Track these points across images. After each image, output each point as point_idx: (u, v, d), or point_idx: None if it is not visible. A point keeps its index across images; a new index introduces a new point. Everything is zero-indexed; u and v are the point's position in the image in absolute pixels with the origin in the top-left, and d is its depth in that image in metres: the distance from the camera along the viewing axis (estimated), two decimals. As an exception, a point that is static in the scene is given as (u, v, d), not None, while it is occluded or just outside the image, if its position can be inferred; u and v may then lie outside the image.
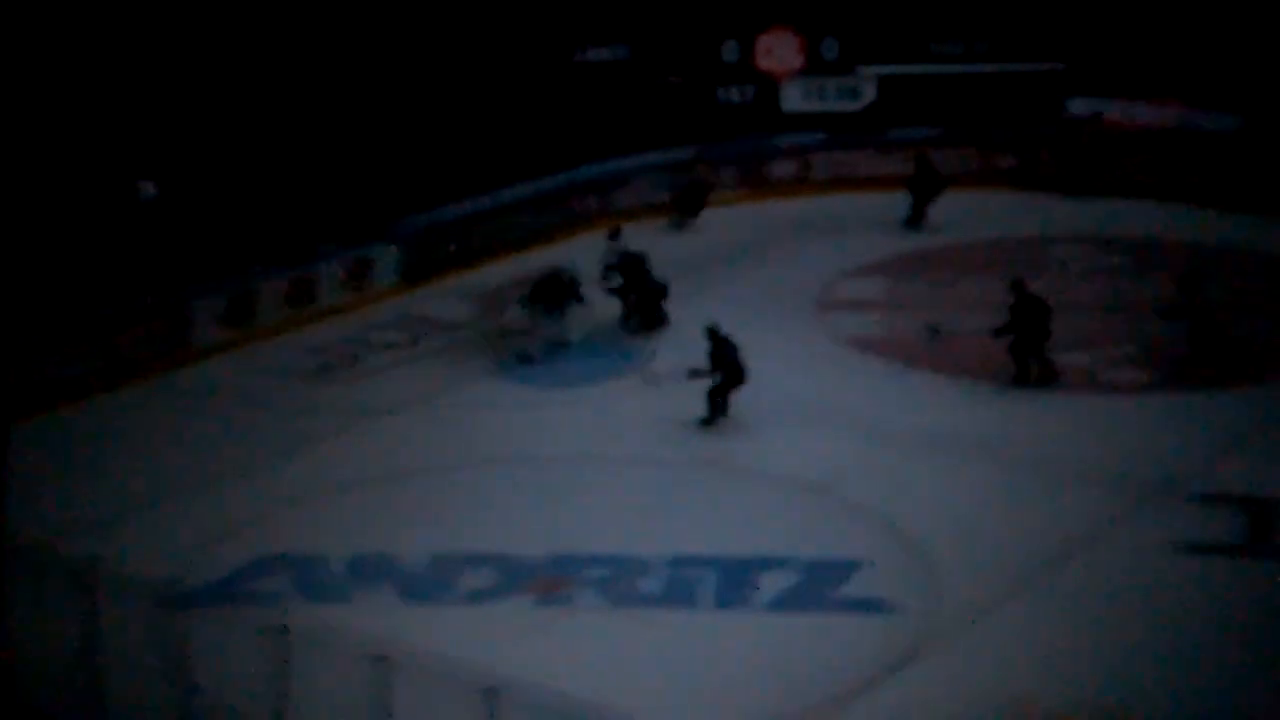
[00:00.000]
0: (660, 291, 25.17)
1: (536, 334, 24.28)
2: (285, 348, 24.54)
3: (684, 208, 30.26)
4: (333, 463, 21.00)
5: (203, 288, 24.43)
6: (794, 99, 32.64)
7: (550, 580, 18.20)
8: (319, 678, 14.63)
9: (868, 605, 17.62)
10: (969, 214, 30.08)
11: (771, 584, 18.01)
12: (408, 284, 26.98)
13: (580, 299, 24.62)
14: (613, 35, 31.90)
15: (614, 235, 26.07)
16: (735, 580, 18.09)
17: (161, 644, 15.62)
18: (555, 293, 24.36)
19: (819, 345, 24.68)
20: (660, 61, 31.98)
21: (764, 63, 32.51)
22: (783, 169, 32.36)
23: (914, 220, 29.61)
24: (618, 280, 25.26)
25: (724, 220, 30.40)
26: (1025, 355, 22.60)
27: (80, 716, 14.94)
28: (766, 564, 18.32)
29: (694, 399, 22.05)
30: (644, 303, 25.09)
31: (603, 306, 25.28)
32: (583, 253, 26.80)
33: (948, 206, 29.92)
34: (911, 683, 16.29)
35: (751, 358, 23.56)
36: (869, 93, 32.67)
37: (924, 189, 29.62)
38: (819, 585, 17.98)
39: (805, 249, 28.78)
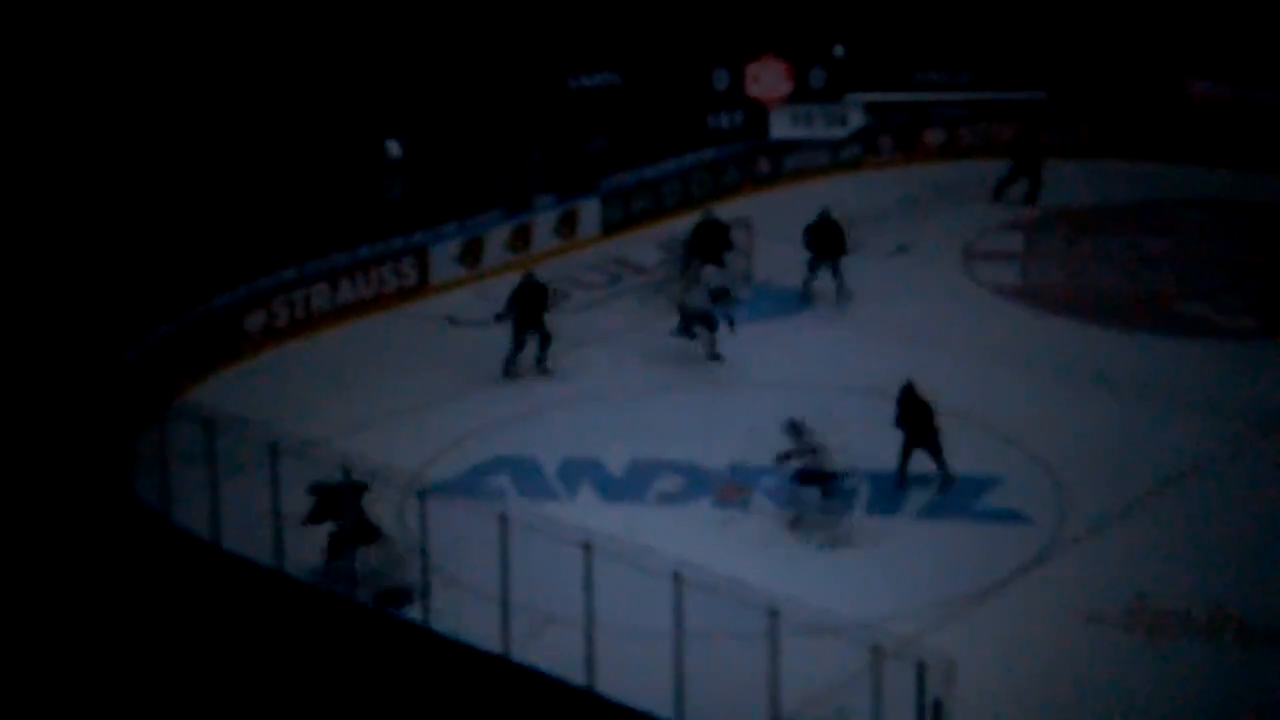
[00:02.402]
0: None
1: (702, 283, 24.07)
2: (507, 285, 24.80)
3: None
4: (548, 382, 21.25)
5: (439, 233, 24.81)
6: (782, 125, 29.74)
7: (730, 487, 18.34)
8: (535, 560, 14.99)
9: (1004, 515, 17.51)
10: (1094, 179, 29.37)
11: (919, 495, 17.98)
12: (608, 233, 27.10)
13: (734, 246, 24.07)
14: (604, 62, 28.81)
15: None
16: (886, 491, 18.08)
17: (407, 526, 16.18)
18: (717, 243, 23.98)
19: (966, 290, 24.37)
20: (651, 88, 28.99)
21: (753, 90, 29.50)
22: (934, 136, 31.63)
23: (1031, 195, 27.84)
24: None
25: (879, 182, 29.99)
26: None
27: (335, 580, 15.51)
28: (914, 478, 18.26)
29: (858, 337, 22.00)
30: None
31: (772, 254, 24.94)
32: (756, 208, 26.70)
33: (1079, 172, 29.20)
34: (1041, 583, 16.23)
35: (904, 300, 23.54)
36: (856, 120, 29.77)
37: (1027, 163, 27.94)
38: (961, 497, 17.91)
39: (954, 207, 28.29)
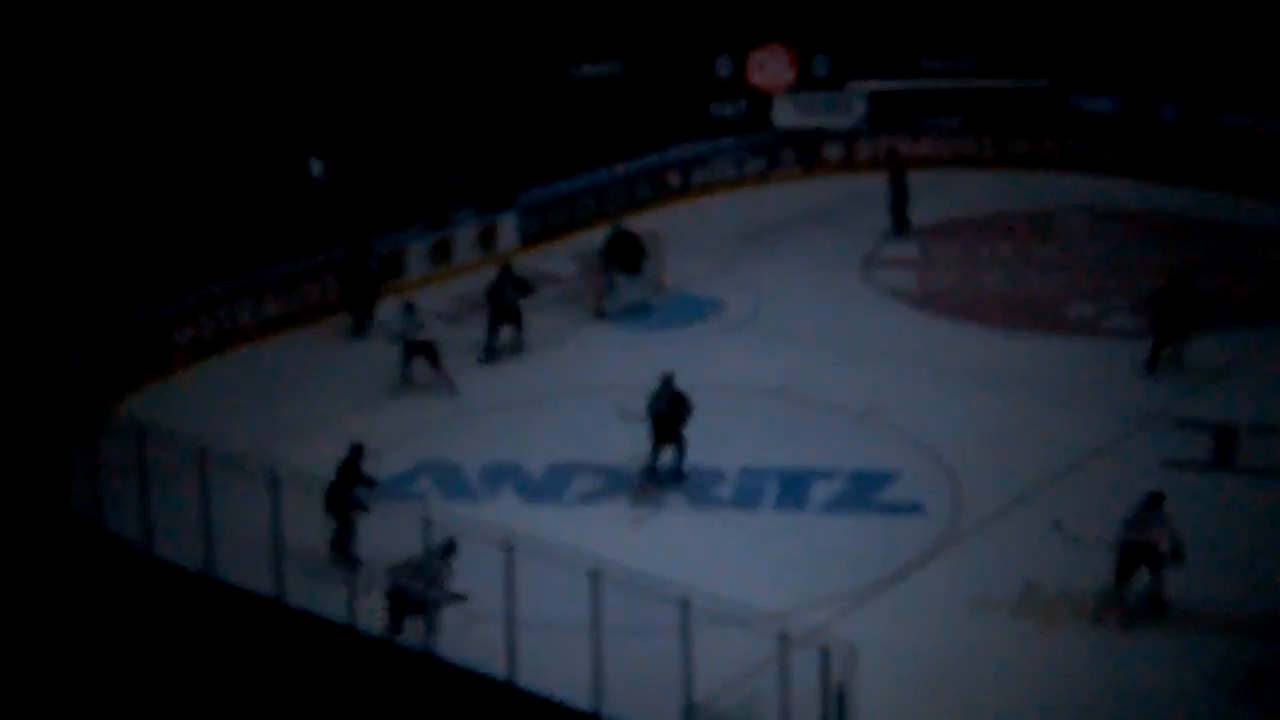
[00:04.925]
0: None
1: (621, 290, 24.26)
2: (430, 295, 24.72)
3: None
4: (471, 389, 21.25)
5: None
6: (786, 114, 29.01)
7: (644, 486, 18.44)
8: (458, 561, 15.05)
9: (903, 508, 17.78)
10: (988, 190, 29.91)
11: (823, 491, 18.20)
12: (526, 246, 27.09)
13: (647, 255, 24.13)
14: (606, 51, 27.86)
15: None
16: (792, 487, 18.28)
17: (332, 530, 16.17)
18: (631, 252, 24.25)
19: (865, 296, 24.71)
20: (654, 76, 27.84)
21: (756, 78, 28.71)
22: (833, 151, 31.89)
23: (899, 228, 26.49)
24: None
25: (783, 195, 30.23)
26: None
27: (265, 586, 15.40)
28: (819, 474, 18.50)
29: (766, 341, 22.23)
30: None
31: (678, 263, 25.11)
32: (667, 220, 26.86)
33: (974, 184, 29.71)
34: (938, 572, 16.49)
35: (808, 306, 23.74)
36: (860, 108, 29.17)
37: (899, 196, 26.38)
38: (862, 492, 18.17)
39: (853, 218, 28.59)
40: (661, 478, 18.38)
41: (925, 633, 15.29)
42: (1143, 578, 15.43)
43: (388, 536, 15.49)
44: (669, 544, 17.04)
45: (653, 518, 17.81)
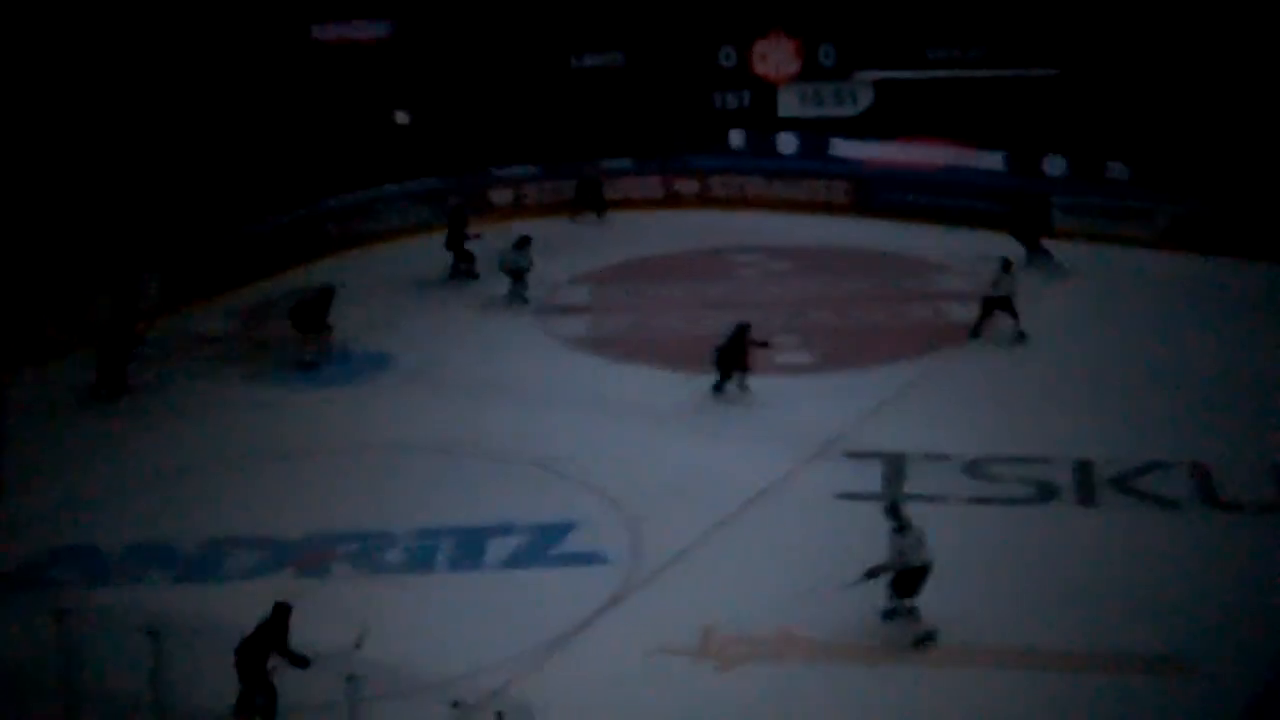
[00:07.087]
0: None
1: (302, 345, 23.76)
2: (68, 366, 23.48)
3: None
4: (117, 463, 20.30)
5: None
6: (791, 104, 29.20)
7: (309, 556, 17.91)
8: (100, 651, 14.23)
9: (581, 559, 17.80)
10: (661, 230, 30.63)
11: (500, 547, 18.06)
12: (171, 306, 26.03)
13: (320, 311, 24.01)
14: (609, 41, 28.00)
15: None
16: (468, 546, 18.10)
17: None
18: (318, 309, 23.90)
19: (540, 343, 24.81)
20: (656, 67, 28.16)
21: (761, 68, 28.99)
22: (501, 197, 32.21)
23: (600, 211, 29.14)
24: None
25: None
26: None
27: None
28: (495, 530, 18.37)
29: (438, 395, 21.93)
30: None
31: (348, 318, 24.82)
32: (333, 273, 26.49)
33: (649, 221, 30.32)
34: (620, 620, 16.52)
35: (481, 357, 23.75)
36: (865, 98, 29.37)
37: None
38: (540, 545, 18.11)
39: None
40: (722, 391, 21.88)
41: (606, 687, 15.21)
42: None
43: (8, 634, 14.52)
44: (338, 615, 16.30)
45: (319, 587, 17.26)
